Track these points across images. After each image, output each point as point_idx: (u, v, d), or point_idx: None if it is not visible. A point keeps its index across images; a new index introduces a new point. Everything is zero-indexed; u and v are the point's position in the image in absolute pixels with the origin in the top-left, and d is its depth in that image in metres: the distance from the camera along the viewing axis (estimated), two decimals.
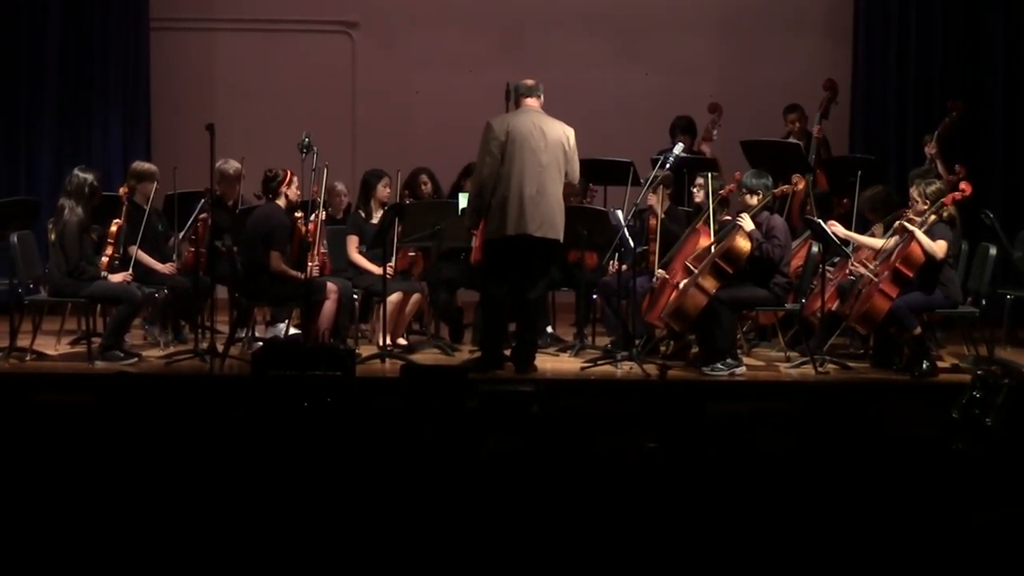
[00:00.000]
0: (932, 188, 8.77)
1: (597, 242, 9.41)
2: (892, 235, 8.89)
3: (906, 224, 8.69)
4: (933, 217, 8.65)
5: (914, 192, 8.83)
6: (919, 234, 8.53)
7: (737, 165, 9.78)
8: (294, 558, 4.10)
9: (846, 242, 9.04)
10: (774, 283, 8.81)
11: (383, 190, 9.74)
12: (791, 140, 10.51)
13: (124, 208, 9.25)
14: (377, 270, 9.29)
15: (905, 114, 11.58)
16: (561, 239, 8.73)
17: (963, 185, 8.91)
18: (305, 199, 9.24)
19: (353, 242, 9.63)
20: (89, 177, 8.96)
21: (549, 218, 8.57)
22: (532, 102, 8.69)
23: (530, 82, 8.73)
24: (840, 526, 4.16)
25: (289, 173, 9.06)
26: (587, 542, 4.11)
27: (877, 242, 9.05)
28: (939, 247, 8.54)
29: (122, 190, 9.35)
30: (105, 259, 9.08)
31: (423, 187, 10.20)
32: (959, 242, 9.52)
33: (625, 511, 4.28)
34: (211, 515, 4.26)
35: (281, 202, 9.04)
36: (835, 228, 8.89)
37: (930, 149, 10.18)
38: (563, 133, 8.65)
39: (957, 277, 8.94)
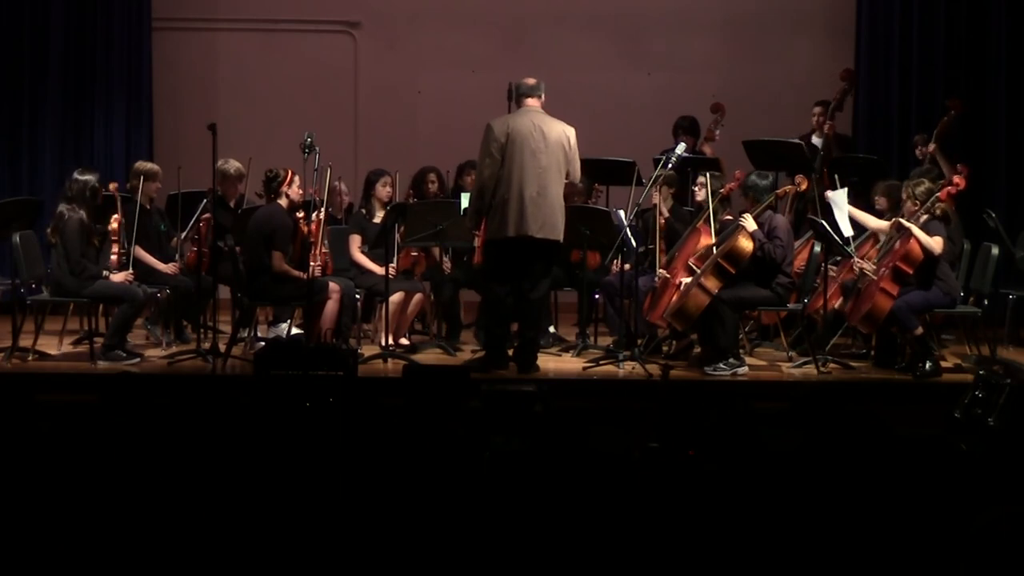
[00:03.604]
0: (921, 188, 8.78)
1: (600, 242, 9.41)
2: (889, 234, 8.91)
3: (903, 221, 8.69)
4: (925, 216, 8.66)
5: (903, 193, 8.85)
6: (916, 230, 8.54)
7: (740, 165, 9.77)
8: (297, 558, 4.10)
9: (848, 241, 9.04)
10: (776, 283, 8.81)
11: (383, 189, 9.76)
12: (813, 135, 10.53)
13: (117, 205, 9.22)
14: (379, 270, 9.30)
15: (908, 113, 11.58)
16: (561, 239, 8.73)
17: (957, 179, 8.92)
18: (307, 199, 9.25)
19: (356, 241, 9.64)
20: (90, 179, 8.96)
21: (550, 219, 8.57)
22: (533, 102, 8.69)
23: (531, 81, 8.73)
24: (842, 525, 4.16)
25: (290, 173, 9.06)
26: (590, 541, 4.11)
27: (872, 220, 9.09)
28: (936, 243, 8.55)
29: (112, 186, 9.28)
30: (114, 257, 9.06)
31: (430, 186, 10.22)
32: (960, 240, 9.53)
33: (628, 511, 4.28)
34: (214, 515, 4.26)
35: (283, 202, 9.05)
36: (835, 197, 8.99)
37: (927, 149, 10.18)
38: (563, 133, 8.64)
39: (952, 273, 8.95)
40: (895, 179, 9.96)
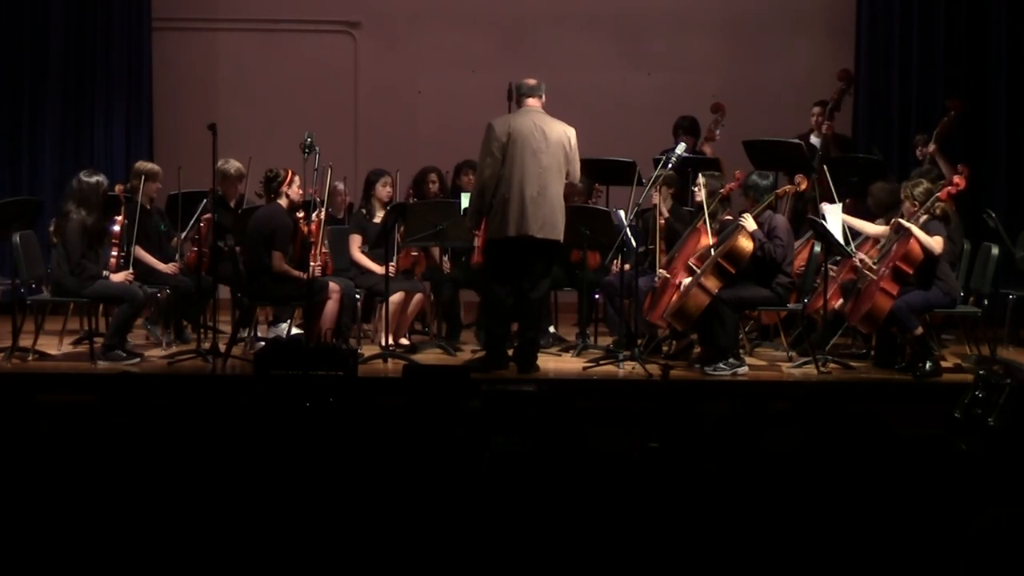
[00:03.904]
0: (919, 189, 8.77)
1: (600, 242, 9.41)
2: (890, 234, 8.91)
3: (902, 222, 8.69)
4: (925, 216, 8.65)
5: (902, 194, 8.84)
6: (916, 230, 8.54)
7: (740, 165, 9.78)
8: (297, 558, 4.10)
9: (848, 241, 9.04)
10: (776, 283, 8.81)
11: (382, 189, 9.77)
12: (813, 136, 10.54)
13: (123, 207, 9.24)
14: (380, 269, 9.30)
15: (908, 113, 11.58)
16: (562, 239, 8.73)
17: (957, 179, 8.91)
18: (307, 199, 9.25)
19: (356, 241, 9.64)
20: (100, 181, 8.95)
21: (550, 219, 8.58)
22: (533, 102, 8.70)
23: (532, 82, 8.73)
24: (842, 525, 4.16)
25: (290, 173, 9.06)
26: (590, 541, 4.11)
27: (870, 226, 9.10)
28: (936, 243, 8.55)
29: (119, 188, 9.31)
30: (112, 260, 9.09)
31: (430, 186, 10.22)
32: (960, 240, 9.52)
33: (628, 511, 4.28)
34: (214, 514, 4.26)
35: (283, 202, 9.05)
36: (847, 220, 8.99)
37: (927, 150, 10.18)
38: (564, 133, 8.65)
39: (952, 272, 8.94)
40: (895, 179, 9.97)
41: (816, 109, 10.69)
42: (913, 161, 10.64)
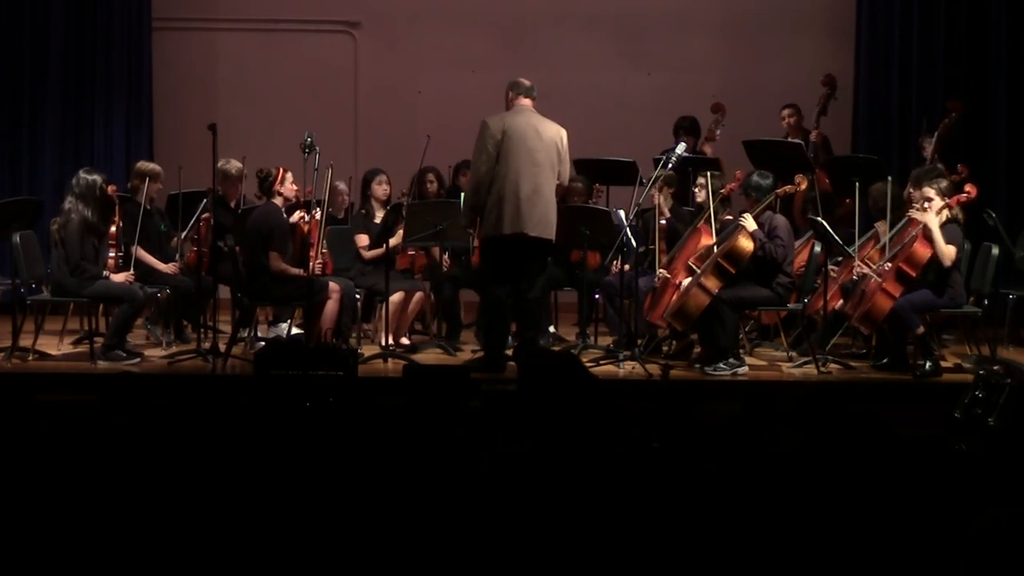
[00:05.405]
0: (945, 183, 8.77)
1: (600, 242, 9.41)
2: (901, 229, 8.86)
3: (924, 219, 8.54)
4: (945, 213, 8.62)
5: (931, 191, 8.71)
6: (937, 235, 8.46)
7: (740, 165, 9.79)
8: (296, 558, 4.10)
9: (849, 242, 9.04)
10: (777, 283, 8.81)
11: (378, 188, 9.79)
12: (790, 139, 10.54)
13: (116, 207, 9.22)
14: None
15: (908, 114, 11.59)
16: (554, 239, 8.73)
17: (968, 188, 8.89)
18: (307, 199, 9.25)
19: (362, 240, 9.67)
20: (98, 179, 8.96)
21: (544, 217, 8.60)
22: (527, 102, 8.71)
23: (527, 82, 8.75)
24: (842, 526, 4.16)
25: (281, 171, 9.04)
26: (590, 542, 4.11)
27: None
28: (950, 251, 8.49)
29: (111, 188, 9.27)
30: (111, 260, 9.09)
31: (428, 186, 10.23)
32: (962, 242, 9.52)
33: (628, 511, 4.28)
34: (214, 515, 4.26)
35: (278, 201, 9.04)
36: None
37: (930, 151, 10.18)
38: (557, 134, 8.68)
39: (962, 280, 8.92)
40: (895, 180, 9.96)
41: (785, 112, 10.71)
42: (913, 162, 10.64)
